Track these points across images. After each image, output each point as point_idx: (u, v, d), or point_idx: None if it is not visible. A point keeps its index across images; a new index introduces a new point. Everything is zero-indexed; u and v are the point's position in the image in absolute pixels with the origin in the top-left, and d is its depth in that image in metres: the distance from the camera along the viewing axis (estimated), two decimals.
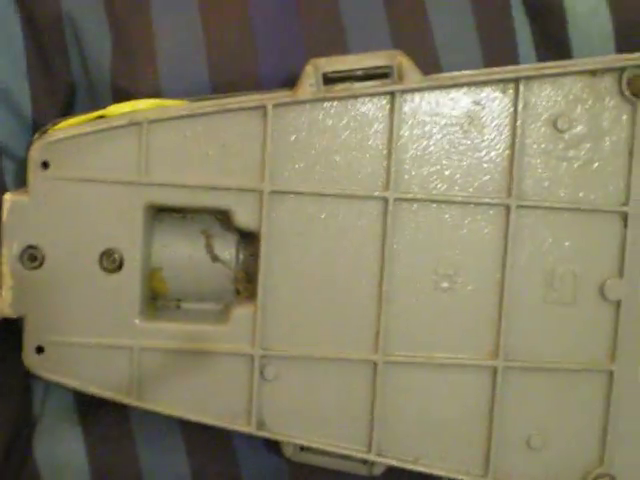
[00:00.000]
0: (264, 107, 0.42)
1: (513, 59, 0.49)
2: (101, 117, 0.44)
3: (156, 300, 0.45)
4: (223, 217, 0.44)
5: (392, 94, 0.42)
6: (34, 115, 0.48)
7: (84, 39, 0.48)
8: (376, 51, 0.44)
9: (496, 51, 0.49)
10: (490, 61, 0.48)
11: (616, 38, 0.50)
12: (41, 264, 0.42)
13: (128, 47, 0.47)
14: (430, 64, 0.47)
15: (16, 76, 0.48)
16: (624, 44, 0.49)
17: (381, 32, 0.48)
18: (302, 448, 0.45)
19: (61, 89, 0.48)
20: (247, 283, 0.45)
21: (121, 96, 0.47)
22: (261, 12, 0.47)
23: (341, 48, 0.48)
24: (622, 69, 0.43)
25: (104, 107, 0.46)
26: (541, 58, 0.50)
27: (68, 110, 0.49)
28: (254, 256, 0.44)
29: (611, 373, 0.44)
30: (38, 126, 0.47)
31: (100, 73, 0.47)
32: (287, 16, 0.48)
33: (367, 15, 0.48)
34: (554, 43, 0.50)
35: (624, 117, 0.43)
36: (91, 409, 0.49)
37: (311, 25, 0.48)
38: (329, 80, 0.43)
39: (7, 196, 0.42)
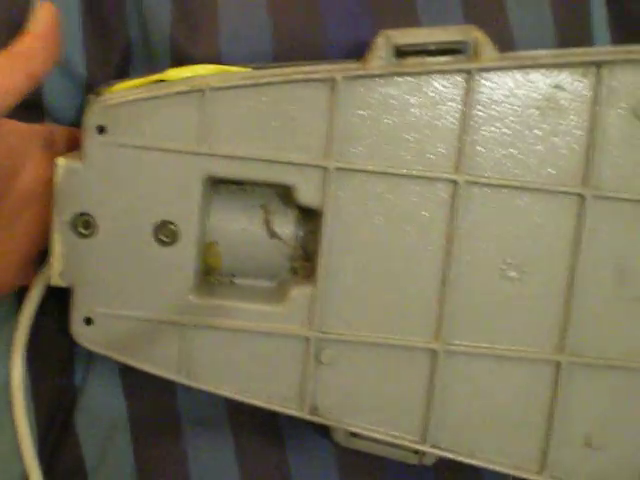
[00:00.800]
0: (333, 79, 0.40)
1: (587, 38, 0.47)
2: (160, 81, 0.42)
3: (209, 275, 0.43)
4: (283, 192, 0.42)
5: (468, 72, 0.40)
6: (87, 74, 0.46)
7: None
8: (449, 24, 0.43)
9: (570, 29, 0.46)
10: (563, 39, 0.46)
11: None
12: (93, 233, 0.41)
13: (189, 7, 0.45)
14: (503, 39, 0.45)
15: (69, 32, 0.46)
16: None
17: (453, 3, 0.46)
18: (352, 434, 0.44)
19: (117, 48, 0.46)
20: (304, 261, 0.43)
21: (180, 58, 0.45)
22: None
23: (411, 18, 0.46)
24: None
25: (161, 69, 0.44)
26: (615, 39, 0.48)
27: (123, 70, 0.47)
28: (313, 233, 0.42)
29: None
30: (91, 86, 0.45)
31: (159, 33, 0.45)
32: None
33: None
34: (630, 24, 0.48)
35: None
36: (135, 375, 0.47)
37: None
38: (400, 53, 0.41)
39: (60, 161, 0.40)
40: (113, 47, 0.46)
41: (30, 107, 0.45)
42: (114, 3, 0.46)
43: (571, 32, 0.46)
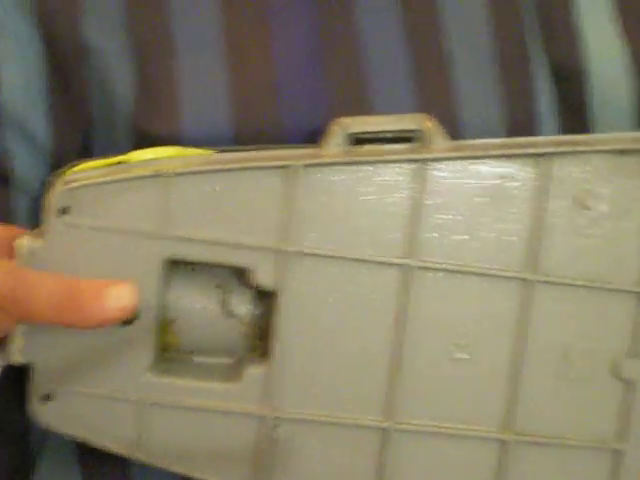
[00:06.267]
0: (289, 167, 0.41)
1: (533, 123, 0.49)
2: (122, 163, 0.43)
3: (167, 352, 0.44)
4: (240, 272, 0.44)
5: (420, 162, 0.42)
6: (52, 148, 0.47)
7: (107, 74, 0.47)
8: (402, 113, 0.44)
9: (517, 115, 0.49)
10: (511, 126, 0.48)
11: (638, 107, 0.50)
12: None
13: (151, 87, 0.46)
14: (451, 123, 0.46)
15: (35, 107, 0.47)
16: None
17: (405, 88, 0.48)
18: None
19: (81, 123, 0.47)
20: (260, 340, 0.44)
21: (141, 137, 0.46)
22: (286, 64, 0.47)
23: (365, 105, 0.47)
24: None
25: (123, 146, 0.45)
26: (561, 124, 0.50)
27: (88, 146, 0.48)
28: (269, 313, 0.43)
29: (620, 452, 0.44)
30: (56, 161, 0.47)
31: (121, 111, 0.46)
32: (312, 69, 0.47)
33: (391, 69, 0.48)
34: (575, 109, 0.50)
35: None
36: (92, 453, 0.48)
37: (335, 79, 0.47)
38: (356, 140, 0.43)
39: (21, 240, 0.41)
40: (77, 124, 0.47)
41: None
42: (77, 76, 0.47)
43: (518, 113, 0.49)
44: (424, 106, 0.47)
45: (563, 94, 0.50)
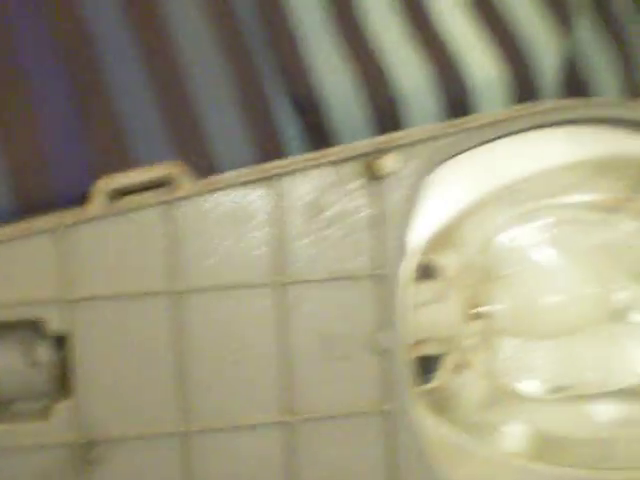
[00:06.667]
0: (56, 229, 0.49)
1: (282, 154, 0.57)
2: None
3: None
4: (36, 325, 0.50)
5: (167, 203, 0.49)
6: None
7: None
8: (159, 162, 0.52)
9: (266, 148, 0.57)
10: (263, 159, 0.56)
11: (371, 124, 0.59)
12: None
13: None
14: (206, 164, 0.55)
15: None
16: (378, 129, 0.58)
17: (161, 139, 0.55)
18: None
19: None
20: (65, 379, 0.51)
21: None
22: (51, 136, 0.54)
23: (128, 160, 0.55)
24: (361, 156, 0.51)
25: None
26: (310, 147, 0.58)
27: None
28: (69, 356, 0.50)
29: (388, 413, 0.51)
30: None
31: None
32: (76, 136, 0.54)
33: (146, 124, 0.56)
34: (320, 134, 0.58)
35: (366, 197, 0.51)
36: None
37: (98, 142, 0.55)
38: (120, 194, 0.50)
39: None
40: None
41: None
42: None
43: (266, 146, 0.57)
44: (181, 154, 0.55)
45: (307, 123, 0.59)
